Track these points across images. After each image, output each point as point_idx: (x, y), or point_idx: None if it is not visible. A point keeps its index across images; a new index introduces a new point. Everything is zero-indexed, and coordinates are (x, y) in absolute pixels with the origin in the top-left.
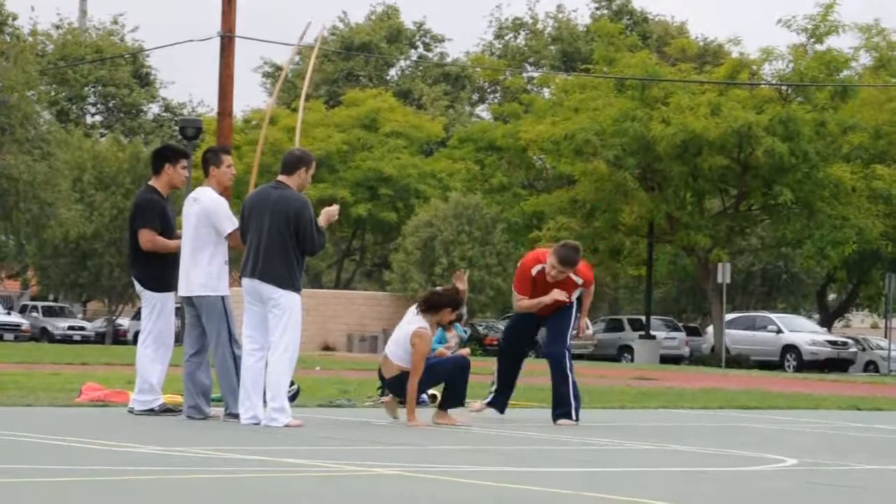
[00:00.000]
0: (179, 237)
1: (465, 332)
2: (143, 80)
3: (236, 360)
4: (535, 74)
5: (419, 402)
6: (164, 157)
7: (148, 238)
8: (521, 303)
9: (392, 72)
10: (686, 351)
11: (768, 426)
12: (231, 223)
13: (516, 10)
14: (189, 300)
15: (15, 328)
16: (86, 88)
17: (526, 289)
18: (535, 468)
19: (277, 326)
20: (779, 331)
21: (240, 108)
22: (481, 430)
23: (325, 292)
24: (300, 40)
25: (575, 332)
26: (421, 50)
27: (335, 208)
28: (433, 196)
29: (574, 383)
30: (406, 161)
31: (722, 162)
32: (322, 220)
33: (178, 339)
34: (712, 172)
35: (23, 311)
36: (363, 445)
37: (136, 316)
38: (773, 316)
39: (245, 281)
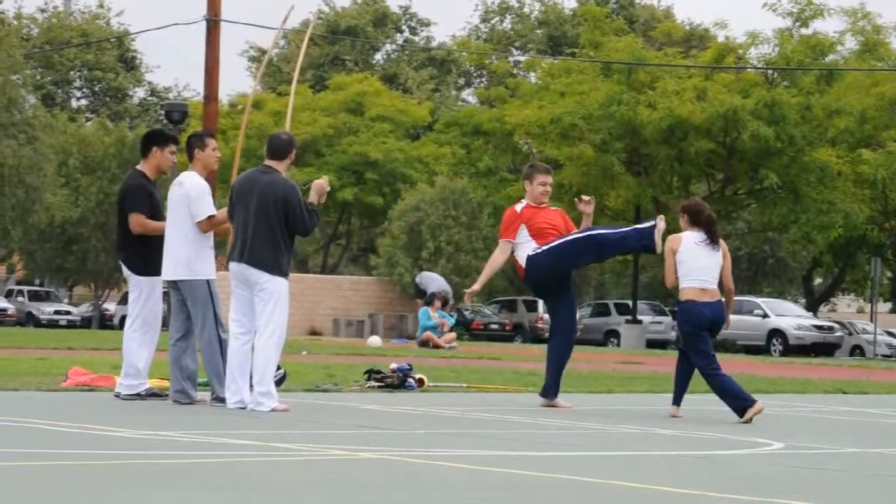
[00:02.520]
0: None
1: (452, 316)
2: (129, 63)
3: (222, 344)
4: (522, 58)
5: (406, 387)
6: (152, 140)
7: (138, 222)
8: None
9: (378, 56)
10: (672, 335)
11: None
12: (208, 209)
13: None
14: (174, 284)
15: (0, 312)
16: (71, 72)
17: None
18: (520, 452)
19: (264, 311)
20: (765, 315)
21: (226, 93)
22: (469, 415)
23: (311, 277)
24: (283, 24)
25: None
26: (407, 34)
27: (324, 181)
28: (419, 180)
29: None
30: (392, 145)
31: (708, 146)
32: (313, 196)
33: (165, 324)
34: (698, 157)
35: (8, 295)
36: (349, 430)
37: (123, 300)
38: (759, 300)
39: (233, 265)
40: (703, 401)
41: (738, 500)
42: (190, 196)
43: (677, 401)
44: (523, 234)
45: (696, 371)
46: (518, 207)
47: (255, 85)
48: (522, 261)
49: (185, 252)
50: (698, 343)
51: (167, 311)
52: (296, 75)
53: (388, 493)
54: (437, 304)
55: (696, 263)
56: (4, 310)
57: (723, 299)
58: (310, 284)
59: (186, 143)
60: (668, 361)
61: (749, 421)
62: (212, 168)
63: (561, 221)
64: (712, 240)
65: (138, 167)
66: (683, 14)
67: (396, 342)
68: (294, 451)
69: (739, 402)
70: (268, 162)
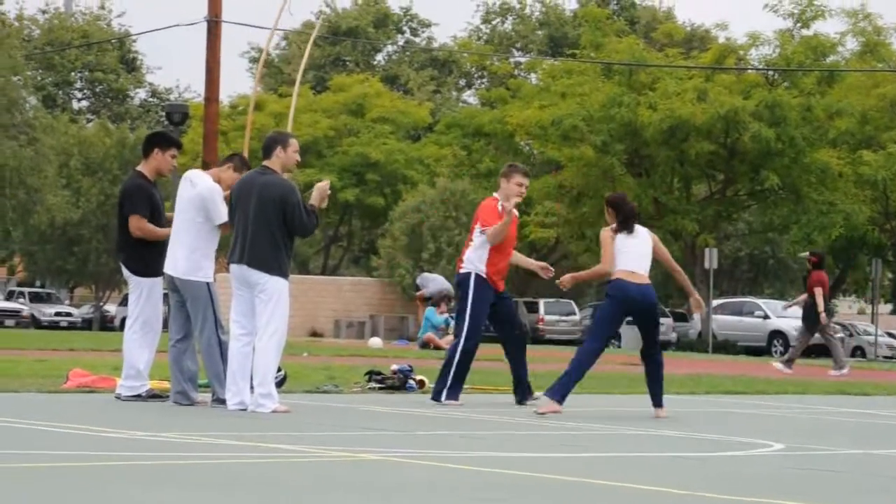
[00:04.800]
0: (170, 221)
1: (450, 319)
2: (130, 65)
3: (222, 346)
4: (523, 59)
5: (407, 388)
6: (155, 142)
7: (137, 225)
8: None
9: (379, 57)
10: (673, 336)
11: (755, 411)
12: (225, 214)
13: None
14: (173, 284)
15: (15, 314)
16: (72, 74)
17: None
18: (522, 453)
19: (264, 312)
20: (766, 316)
21: (226, 94)
22: (470, 415)
23: (312, 278)
24: (277, 20)
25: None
26: (408, 35)
27: (326, 183)
28: (420, 182)
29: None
30: (393, 146)
31: (709, 147)
32: (315, 199)
33: (166, 325)
34: (699, 158)
35: (9, 297)
36: (350, 431)
37: (123, 302)
38: (760, 301)
39: (233, 267)
40: (703, 402)
41: (738, 500)
42: (204, 198)
43: (656, 402)
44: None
45: (662, 371)
46: (497, 206)
47: (256, 87)
48: (471, 265)
49: (189, 252)
50: (606, 326)
51: (167, 313)
52: (298, 80)
53: (389, 495)
54: (443, 306)
55: (627, 252)
56: (19, 311)
57: (651, 283)
58: (311, 286)
59: (229, 156)
60: (669, 363)
61: (542, 414)
62: (224, 186)
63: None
64: (629, 229)
65: (138, 168)
66: (684, 15)
67: (397, 343)
68: (295, 453)
69: (558, 391)
70: (264, 162)
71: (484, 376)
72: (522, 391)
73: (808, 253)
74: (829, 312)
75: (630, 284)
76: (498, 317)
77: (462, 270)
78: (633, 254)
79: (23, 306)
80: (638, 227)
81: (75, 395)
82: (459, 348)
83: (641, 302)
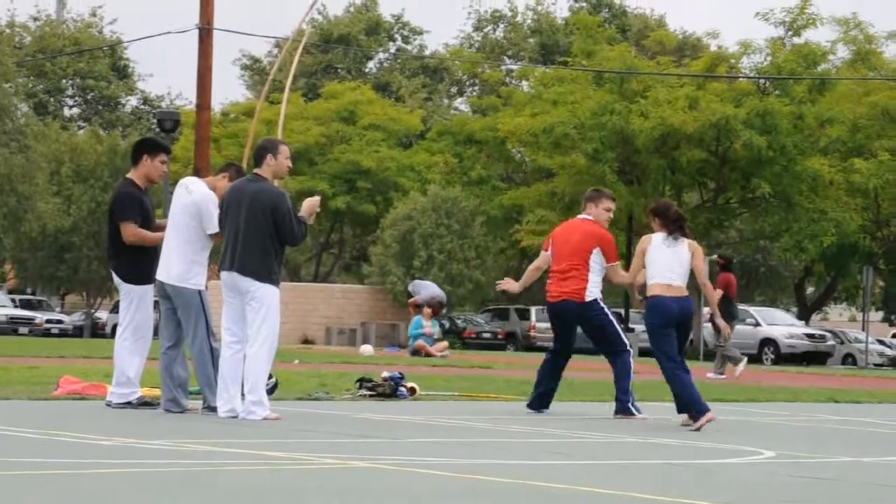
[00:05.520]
0: (161, 227)
1: (443, 325)
2: (121, 72)
3: (213, 354)
4: (514, 67)
5: (397, 396)
6: (143, 148)
7: (131, 232)
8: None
9: (370, 64)
10: None
11: (746, 418)
12: (217, 224)
13: (495, 3)
14: (164, 292)
15: (28, 322)
16: (64, 81)
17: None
18: (512, 461)
19: (255, 319)
20: (757, 324)
21: (218, 101)
22: (461, 424)
23: (303, 285)
24: (299, 25)
25: None
26: (399, 42)
27: (316, 199)
28: (412, 189)
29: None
30: (384, 154)
31: (700, 155)
32: (305, 213)
33: (157, 333)
34: (691, 166)
35: None
36: (341, 439)
37: (115, 309)
38: (751, 309)
39: (224, 274)
40: None
41: None
42: (199, 206)
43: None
44: (601, 266)
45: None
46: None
47: (262, 102)
48: (592, 293)
49: (182, 259)
50: (663, 342)
51: (158, 320)
52: (287, 88)
53: (379, 502)
54: (429, 312)
55: (661, 261)
56: (32, 319)
57: (690, 296)
58: (302, 293)
59: (230, 165)
60: (660, 370)
61: (699, 429)
62: (218, 192)
63: None
64: (675, 233)
65: (128, 175)
66: (676, 23)
67: (388, 351)
68: (285, 460)
69: (698, 407)
70: (255, 170)
71: (475, 384)
72: (546, 402)
73: (716, 256)
74: (732, 317)
75: (668, 300)
76: (572, 331)
77: (588, 298)
78: (666, 264)
79: (36, 314)
80: (681, 238)
81: (65, 402)
82: (631, 357)
83: (680, 316)
